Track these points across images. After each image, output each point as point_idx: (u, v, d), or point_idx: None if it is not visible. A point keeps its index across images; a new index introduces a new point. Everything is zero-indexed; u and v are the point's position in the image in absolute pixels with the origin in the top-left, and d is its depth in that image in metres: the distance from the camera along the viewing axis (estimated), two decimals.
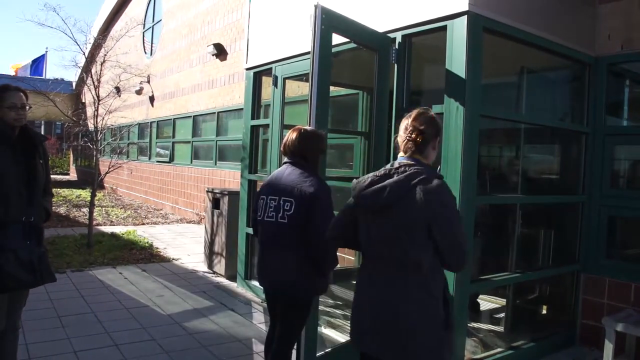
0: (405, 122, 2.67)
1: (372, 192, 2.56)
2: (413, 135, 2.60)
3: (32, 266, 3.26)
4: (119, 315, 5.48)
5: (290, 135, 3.39)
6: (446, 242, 2.49)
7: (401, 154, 2.66)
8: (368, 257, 2.70)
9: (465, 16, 3.94)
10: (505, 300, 5.37)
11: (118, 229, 11.02)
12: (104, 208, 14.65)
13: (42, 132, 33.72)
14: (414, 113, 2.67)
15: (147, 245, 9.39)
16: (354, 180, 2.72)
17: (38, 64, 28.39)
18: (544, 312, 5.68)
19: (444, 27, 4.12)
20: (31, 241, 3.29)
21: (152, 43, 17.83)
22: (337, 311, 5.82)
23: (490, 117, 4.46)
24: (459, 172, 3.90)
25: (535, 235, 5.60)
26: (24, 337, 4.59)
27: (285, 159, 3.42)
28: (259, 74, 6.65)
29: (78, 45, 9.81)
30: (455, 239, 2.51)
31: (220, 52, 12.14)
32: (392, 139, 4.54)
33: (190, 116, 13.99)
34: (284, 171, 3.34)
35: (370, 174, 2.65)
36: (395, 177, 2.53)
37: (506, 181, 5.93)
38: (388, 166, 2.64)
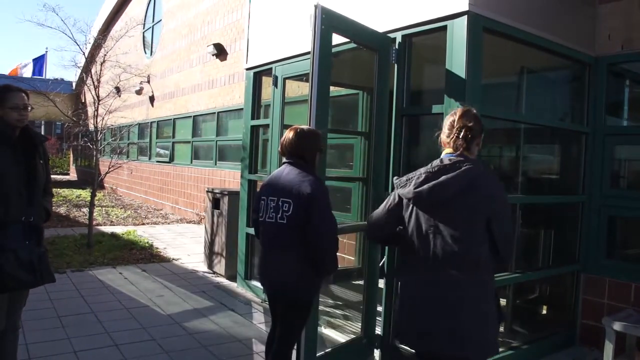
0: (452, 119, 2.72)
1: (430, 188, 2.59)
2: (463, 132, 2.63)
3: (32, 266, 3.25)
4: (119, 315, 5.48)
5: (288, 135, 3.39)
6: (503, 234, 2.59)
7: (448, 150, 2.72)
8: (421, 254, 2.67)
9: (466, 16, 3.94)
10: (505, 300, 5.37)
11: (118, 229, 11.02)
12: (104, 208, 14.65)
13: (42, 132, 33.74)
14: (459, 111, 2.73)
15: (147, 245, 9.39)
16: (400, 179, 2.77)
17: (38, 64, 28.42)
18: (544, 312, 5.68)
19: (444, 27, 4.12)
20: (31, 241, 3.29)
21: (152, 43, 17.84)
22: (337, 311, 5.82)
23: (490, 117, 4.45)
24: None
25: (535, 235, 5.60)
26: (24, 337, 4.59)
27: (284, 159, 3.42)
28: (259, 74, 6.65)
29: (78, 45, 9.83)
30: (510, 232, 2.63)
31: (220, 52, 12.14)
32: (392, 139, 4.55)
33: (190, 116, 14.00)
34: (283, 171, 3.34)
35: (423, 170, 2.68)
36: (453, 173, 2.56)
37: (506, 181, 5.93)
38: (437, 162, 2.67)
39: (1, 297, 3.25)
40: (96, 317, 5.37)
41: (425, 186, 2.59)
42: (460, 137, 2.64)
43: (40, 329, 4.93)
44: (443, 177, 2.57)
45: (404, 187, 2.70)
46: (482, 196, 2.56)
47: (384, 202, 2.89)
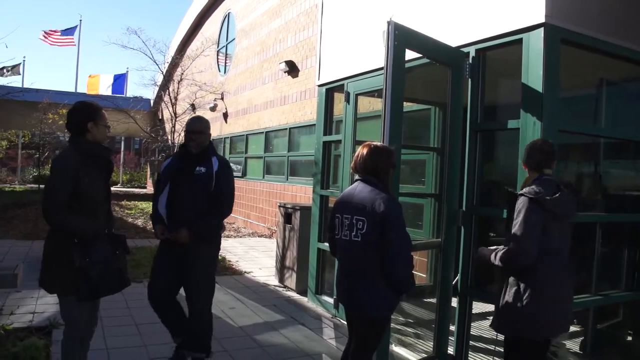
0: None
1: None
2: None
3: (120, 273, 3.52)
4: None
5: (361, 152, 3.39)
6: None
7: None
8: (563, 259, 3.34)
9: (542, 28, 3.85)
10: (586, 324, 5.13)
11: None
12: None
13: (122, 148, 35.38)
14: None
15: (219, 258, 9.54)
16: (550, 196, 3.21)
17: (119, 81, 29.78)
18: (629, 338, 5.38)
19: (520, 40, 4.03)
20: (120, 250, 3.56)
21: (225, 61, 18.34)
22: (409, 329, 5.74)
23: (568, 131, 4.31)
24: None
25: (618, 255, 5.33)
26: (104, 341, 4.82)
27: (357, 176, 3.42)
28: (330, 90, 6.70)
29: (157, 65, 10.29)
30: None
31: (292, 69, 12.34)
32: (467, 155, 4.48)
33: (263, 132, 14.27)
34: (356, 188, 3.35)
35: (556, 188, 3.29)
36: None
37: (586, 198, 5.69)
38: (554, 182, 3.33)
39: (87, 305, 3.48)
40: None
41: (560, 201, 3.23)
42: None
43: (119, 335, 5.13)
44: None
45: (557, 204, 3.20)
46: None
47: (528, 222, 3.20)
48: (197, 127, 4.29)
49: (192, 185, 4.17)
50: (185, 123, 4.31)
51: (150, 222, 4.73)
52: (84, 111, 3.48)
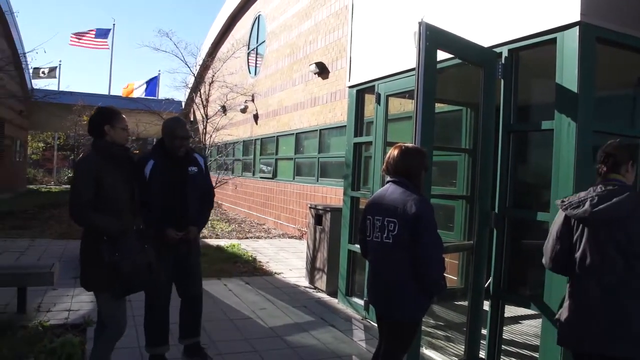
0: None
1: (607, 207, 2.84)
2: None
3: (150, 267, 3.61)
4: (222, 326, 5.66)
5: (392, 153, 3.38)
6: None
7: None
8: (596, 269, 2.87)
9: (577, 27, 3.78)
10: None
11: (223, 242, 11.41)
12: (209, 222, 15.19)
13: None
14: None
15: (250, 259, 9.63)
16: (571, 200, 2.96)
17: (151, 85, 30.22)
18: None
19: (554, 40, 3.97)
20: (148, 245, 3.67)
21: (256, 63, 18.47)
22: (439, 332, 5.69)
23: (605, 132, 4.21)
24: (571, 192, 3.70)
25: None
26: (137, 341, 4.87)
27: (388, 178, 3.41)
28: (361, 92, 6.69)
29: (188, 67, 10.44)
30: None
31: (322, 70, 12.36)
32: (499, 156, 4.42)
33: (293, 133, 14.32)
34: (387, 190, 3.34)
35: (592, 192, 2.92)
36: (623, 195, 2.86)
37: None
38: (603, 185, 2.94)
39: (122, 302, 3.64)
40: (202, 326, 5.57)
41: (602, 206, 2.81)
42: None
43: None
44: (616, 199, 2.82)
45: (577, 208, 2.89)
46: None
47: (551, 229, 3.06)
48: (187, 133, 4.55)
49: (193, 184, 4.37)
50: (166, 125, 4.45)
51: None
52: (100, 115, 3.65)
